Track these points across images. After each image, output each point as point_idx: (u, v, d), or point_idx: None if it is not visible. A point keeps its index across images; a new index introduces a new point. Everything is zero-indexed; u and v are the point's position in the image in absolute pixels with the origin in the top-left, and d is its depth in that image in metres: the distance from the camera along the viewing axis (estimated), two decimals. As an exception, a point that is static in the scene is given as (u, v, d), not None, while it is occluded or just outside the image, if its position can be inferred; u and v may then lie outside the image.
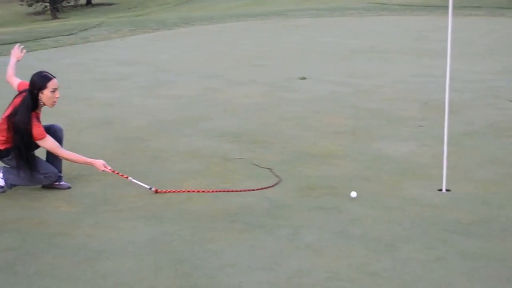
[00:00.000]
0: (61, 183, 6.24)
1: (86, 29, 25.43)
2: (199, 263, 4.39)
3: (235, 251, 4.58)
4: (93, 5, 65.91)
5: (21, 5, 58.46)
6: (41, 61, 15.98)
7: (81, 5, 64.41)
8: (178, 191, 5.95)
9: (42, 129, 5.90)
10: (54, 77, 6.01)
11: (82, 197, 5.90)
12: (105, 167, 6.00)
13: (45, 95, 5.90)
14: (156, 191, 5.94)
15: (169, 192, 5.94)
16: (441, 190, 5.77)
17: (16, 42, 21.10)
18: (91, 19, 36.30)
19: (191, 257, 4.49)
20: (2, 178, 6.02)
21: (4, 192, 6.02)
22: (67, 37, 22.58)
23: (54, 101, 6.00)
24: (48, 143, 5.93)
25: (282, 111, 9.29)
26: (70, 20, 42.46)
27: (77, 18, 46.05)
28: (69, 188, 6.20)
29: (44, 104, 5.98)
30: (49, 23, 42.19)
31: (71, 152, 6.07)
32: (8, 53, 17.59)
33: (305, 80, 11.89)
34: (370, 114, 8.97)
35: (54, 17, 55.92)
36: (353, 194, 5.67)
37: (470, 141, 7.51)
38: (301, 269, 4.24)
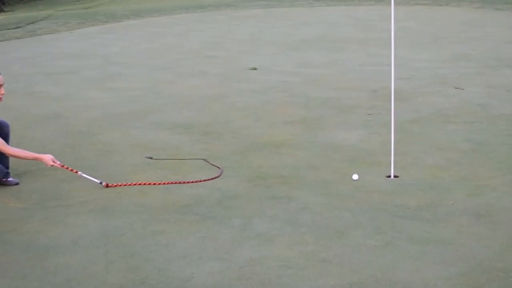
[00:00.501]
0: (9, 179, 6.14)
1: (33, 22, 25.02)
2: (150, 256, 4.36)
3: (187, 242, 4.56)
4: (39, -3, 64.77)
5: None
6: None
7: (29, -3, 63.29)
8: (129, 184, 5.91)
9: None
10: None
11: (31, 193, 5.81)
12: (53, 162, 5.92)
13: None
14: (107, 185, 5.89)
15: (120, 185, 5.90)
16: (389, 176, 5.85)
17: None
18: (39, 12, 35.64)
19: (142, 250, 4.46)
20: None
21: None
22: (14, 30, 22.19)
23: (0, 97, 5.93)
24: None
25: (233, 102, 9.29)
26: (17, 13, 41.61)
27: (24, 11, 45.14)
28: (17, 184, 6.10)
29: None
30: (-6, 16, 41.35)
31: (17, 149, 5.99)
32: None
33: (256, 70, 11.91)
34: (320, 103, 9.04)
35: (0, 10, 54.85)
36: (355, 176, 5.78)
37: (418, 128, 7.61)
38: (253, 258, 4.25)
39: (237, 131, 7.69)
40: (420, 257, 4.19)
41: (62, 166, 5.99)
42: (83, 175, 5.96)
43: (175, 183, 5.90)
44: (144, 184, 5.90)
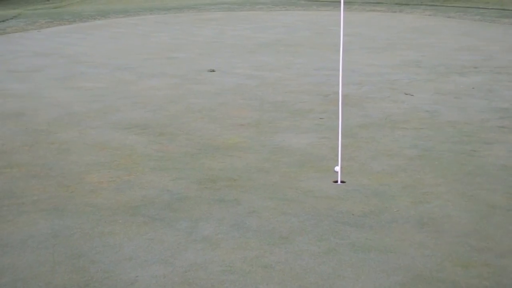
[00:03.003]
0: None
1: (3, 21, 24.47)
2: (97, 258, 4.20)
3: (134, 244, 4.40)
4: (12, -4, 63.77)
5: None
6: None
7: (-1, -4, 62.23)
8: None
9: None
10: None
11: (-15, 190, 5.60)
12: None
13: None
14: None
15: None
16: (336, 182, 5.73)
17: None
18: (9, 11, 34.96)
19: (89, 252, 4.30)
20: None
21: None
22: (-17, 28, 21.68)
23: None
24: None
25: (190, 103, 9.10)
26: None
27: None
28: None
29: None
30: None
31: None
32: None
33: (213, 72, 11.72)
34: (274, 107, 8.88)
35: (-29, 7, 53.79)
36: (337, 168, 5.70)
37: (366, 133, 7.50)
38: (197, 262, 4.11)
39: (191, 133, 7.52)
40: (361, 265, 4.08)
41: None
42: None
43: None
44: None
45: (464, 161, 6.39)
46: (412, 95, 9.60)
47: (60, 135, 7.53)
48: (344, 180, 5.74)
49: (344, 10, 5.94)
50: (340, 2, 5.86)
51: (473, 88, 10.09)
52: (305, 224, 4.77)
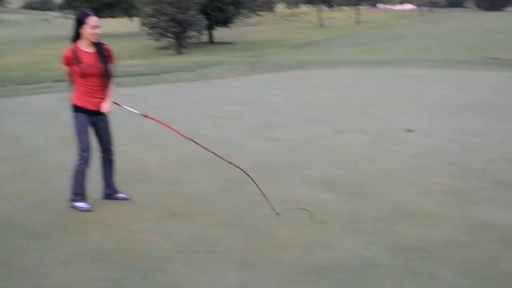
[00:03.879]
0: (119, 195, 6.91)
1: (205, 67, 25.96)
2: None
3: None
4: (215, 43, 67.63)
5: (150, 39, 60.76)
6: (161, 94, 16.42)
7: (203, 43, 66.19)
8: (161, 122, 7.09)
9: (62, 59, 6.39)
10: (95, 15, 6.38)
11: (180, 235, 5.86)
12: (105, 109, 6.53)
13: (85, 30, 6.30)
14: (145, 116, 6.89)
15: (152, 119, 7.06)
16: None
17: (142, 75, 21.87)
18: (211, 57, 37.04)
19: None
20: None
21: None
22: (187, 73, 23.12)
23: (95, 36, 6.36)
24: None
25: (385, 164, 8.99)
26: (192, 57, 43.55)
27: (199, 55, 47.15)
28: (126, 199, 6.88)
29: (86, 38, 6.36)
30: (173, 57, 43.52)
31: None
32: (133, 85, 18.24)
33: (411, 132, 11.53)
34: (475, 175, 8.47)
35: (178, 52, 57.66)
36: None
37: None
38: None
39: (385, 195, 7.38)
40: None
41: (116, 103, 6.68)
42: (124, 106, 6.72)
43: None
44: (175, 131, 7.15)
45: None
46: None
47: (253, 185, 7.70)
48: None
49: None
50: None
51: None
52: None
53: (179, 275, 4.93)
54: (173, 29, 57.40)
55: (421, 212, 6.76)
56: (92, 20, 6.28)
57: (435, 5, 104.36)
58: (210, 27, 66.73)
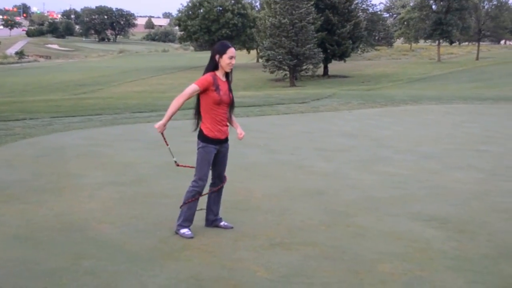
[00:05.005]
0: (222, 223, 7.02)
1: (318, 99, 26.03)
2: None
3: None
4: (329, 76, 67.86)
5: (264, 71, 61.77)
6: (272, 125, 16.59)
7: (318, 76, 66.55)
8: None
9: (200, 80, 6.52)
10: (233, 46, 6.66)
11: (280, 265, 5.86)
12: (161, 132, 6.59)
13: (223, 60, 6.53)
14: (177, 165, 6.91)
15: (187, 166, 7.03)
16: None
17: (254, 106, 22.19)
18: (325, 90, 37.09)
19: None
20: None
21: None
22: (299, 105, 23.23)
23: (230, 66, 6.59)
24: (188, 87, 6.58)
25: (496, 202, 8.68)
26: (306, 89, 43.76)
27: (313, 88, 47.35)
28: (231, 227, 6.96)
29: (222, 68, 6.59)
30: (286, 90, 43.90)
31: (176, 104, 6.49)
32: (245, 115, 18.55)
33: (526, 171, 11.11)
34: None
35: (292, 84, 58.21)
36: None
37: None
38: None
39: (493, 234, 7.11)
40: None
41: (164, 139, 6.89)
42: (169, 147, 6.88)
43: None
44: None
45: None
46: None
47: (357, 218, 7.66)
48: None
49: None
50: None
51: None
52: None
53: (275, 305, 4.93)
54: (289, 62, 58.00)
55: (530, 252, 6.48)
56: (231, 51, 6.53)
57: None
58: (326, 61, 67.03)
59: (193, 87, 6.50)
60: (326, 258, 6.07)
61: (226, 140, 6.76)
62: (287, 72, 60.21)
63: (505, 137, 15.79)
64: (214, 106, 6.55)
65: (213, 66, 6.60)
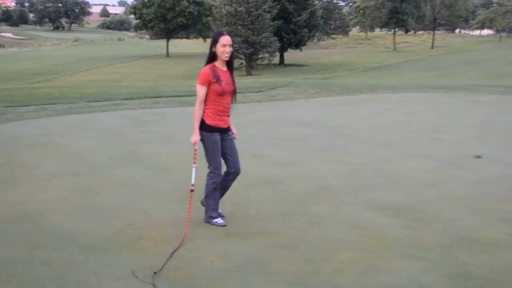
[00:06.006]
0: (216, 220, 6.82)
1: (274, 88, 26.08)
2: None
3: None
4: (285, 65, 67.98)
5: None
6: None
7: (274, 64, 66.62)
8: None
9: (200, 77, 6.50)
10: (228, 34, 6.55)
11: (236, 255, 5.87)
12: (194, 144, 6.51)
13: (217, 49, 6.50)
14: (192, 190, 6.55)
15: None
16: None
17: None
18: (281, 78, 37.19)
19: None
20: None
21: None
22: (256, 93, 23.25)
23: (225, 55, 6.51)
24: (197, 89, 6.53)
25: (450, 190, 8.81)
26: (262, 78, 43.81)
27: (269, 77, 47.45)
28: (223, 226, 6.73)
29: (219, 57, 6.54)
30: (242, 78, 43.81)
31: (199, 111, 6.48)
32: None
33: (480, 159, 11.28)
34: (543, 203, 8.25)
35: (248, 73, 58.19)
36: None
37: None
38: None
39: (447, 222, 7.22)
40: None
41: (195, 152, 6.68)
42: (193, 169, 6.61)
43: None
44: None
45: None
46: None
47: (313, 207, 7.70)
48: None
49: None
50: None
51: None
52: None
53: (231, 295, 4.93)
54: (245, 51, 57.96)
55: (483, 239, 6.60)
56: (223, 39, 6.47)
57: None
58: (282, 49, 67.15)
59: (200, 88, 6.49)
60: (282, 247, 6.09)
61: (228, 129, 6.73)
62: (243, 61, 60.23)
63: (459, 126, 16.02)
64: (217, 97, 6.53)
65: (211, 57, 6.59)
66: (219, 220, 6.76)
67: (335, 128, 14.85)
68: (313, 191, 8.51)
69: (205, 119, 6.55)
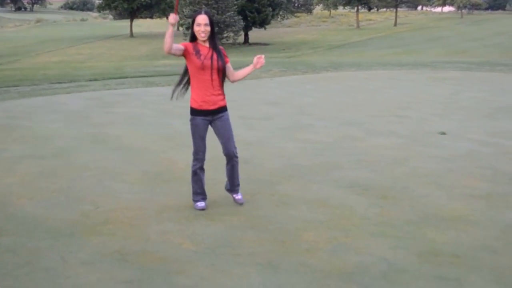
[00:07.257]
0: (236, 196, 6.88)
1: (239, 67, 25.85)
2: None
3: (344, 315, 4.27)
4: (250, 44, 67.79)
5: (185, 39, 60.95)
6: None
7: (239, 44, 66.36)
8: None
9: (179, 45, 6.22)
10: (205, 13, 6.28)
11: (204, 236, 5.80)
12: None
13: (194, 28, 6.32)
14: None
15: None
16: None
17: (174, 75, 21.90)
18: (246, 58, 36.95)
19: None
20: None
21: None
22: (222, 73, 23.04)
23: (201, 34, 6.27)
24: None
25: (416, 167, 8.83)
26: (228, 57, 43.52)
27: (234, 56, 47.15)
28: (240, 202, 6.81)
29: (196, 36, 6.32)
30: (208, 58, 43.47)
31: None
32: (167, 84, 18.28)
33: (445, 135, 11.34)
34: (508, 179, 8.29)
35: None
36: None
37: None
38: None
39: (415, 199, 7.23)
40: None
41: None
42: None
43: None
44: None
45: None
46: None
47: (281, 187, 7.66)
48: None
49: None
50: None
51: None
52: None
53: (202, 277, 4.86)
54: (210, 30, 57.60)
55: (451, 216, 6.61)
56: (198, 18, 6.27)
57: (475, 7, 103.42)
58: (246, 28, 66.90)
59: (177, 46, 6.23)
60: (251, 228, 6.03)
61: (218, 110, 6.50)
62: (208, 40, 59.86)
63: (423, 103, 16.10)
64: (197, 71, 6.32)
65: (191, 36, 6.40)
66: (198, 204, 6.64)
67: (301, 107, 14.81)
68: (280, 170, 8.46)
69: (190, 101, 6.42)
